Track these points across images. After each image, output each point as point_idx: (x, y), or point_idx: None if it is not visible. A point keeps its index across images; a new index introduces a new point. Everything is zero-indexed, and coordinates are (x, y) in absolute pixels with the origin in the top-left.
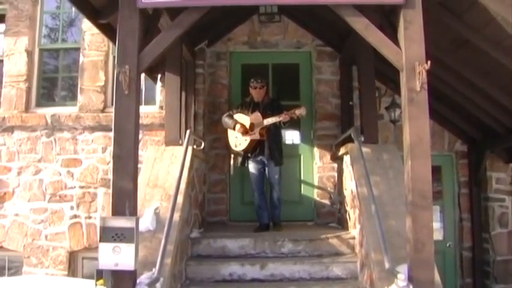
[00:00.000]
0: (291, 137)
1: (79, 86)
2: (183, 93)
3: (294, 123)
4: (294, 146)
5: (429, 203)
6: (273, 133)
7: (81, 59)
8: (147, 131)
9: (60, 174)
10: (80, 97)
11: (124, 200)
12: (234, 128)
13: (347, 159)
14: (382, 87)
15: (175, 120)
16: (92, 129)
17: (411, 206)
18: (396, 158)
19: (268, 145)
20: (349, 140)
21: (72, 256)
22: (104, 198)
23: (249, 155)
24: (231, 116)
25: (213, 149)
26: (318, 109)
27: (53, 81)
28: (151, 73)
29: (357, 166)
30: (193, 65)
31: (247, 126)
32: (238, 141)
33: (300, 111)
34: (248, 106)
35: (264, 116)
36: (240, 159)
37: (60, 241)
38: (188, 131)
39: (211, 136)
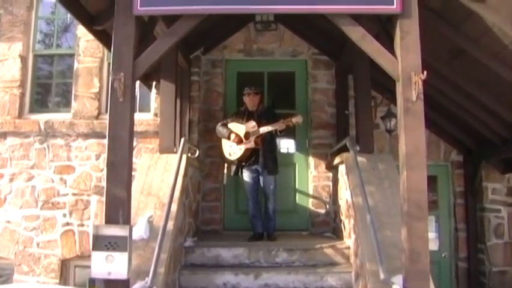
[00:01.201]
0: (286, 145)
1: (73, 92)
2: (178, 101)
3: (289, 132)
4: (289, 155)
5: (424, 213)
6: (268, 142)
7: (75, 65)
8: (141, 139)
9: (53, 181)
10: (74, 103)
11: (118, 208)
12: (228, 138)
13: (342, 168)
14: (378, 97)
15: (170, 128)
16: (86, 136)
17: (407, 216)
18: (392, 168)
19: (263, 154)
20: (344, 149)
21: (64, 264)
22: (97, 206)
23: (244, 163)
24: (225, 126)
25: (207, 157)
26: (313, 118)
27: (47, 87)
28: (146, 80)
29: (353, 176)
30: (188, 73)
31: (242, 135)
32: (232, 150)
33: (297, 119)
34: (243, 115)
35: (259, 125)
36: (234, 168)
37: (53, 249)
38: (182, 139)
39: (205, 144)
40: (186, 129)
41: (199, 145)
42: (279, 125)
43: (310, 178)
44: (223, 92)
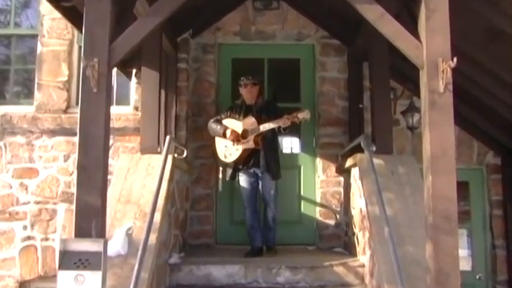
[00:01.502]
0: (290, 145)
1: (36, 81)
2: (163, 92)
3: (293, 130)
4: (293, 156)
5: (454, 226)
6: (270, 141)
7: (39, 48)
8: (119, 136)
9: (11, 187)
10: (37, 94)
11: (90, 218)
12: (224, 135)
13: (355, 172)
14: (398, 88)
15: (153, 124)
16: (52, 133)
17: (433, 229)
18: (414, 171)
19: (263, 155)
20: (358, 149)
21: (23, 287)
22: (65, 216)
23: (241, 166)
24: (219, 122)
25: (197, 158)
26: (321, 113)
27: (3, 74)
28: (125, 68)
29: (368, 181)
30: (174, 59)
31: (239, 133)
32: (228, 151)
33: (303, 115)
34: (239, 110)
35: (259, 121)
36: (229, 171)
37: (9, 269)
38: (168, 137)
39: (195, 143)
40: (172, 126)
41: (188, 144)
42: (283, 122)
43: (318, 183)
44: (216, 82)
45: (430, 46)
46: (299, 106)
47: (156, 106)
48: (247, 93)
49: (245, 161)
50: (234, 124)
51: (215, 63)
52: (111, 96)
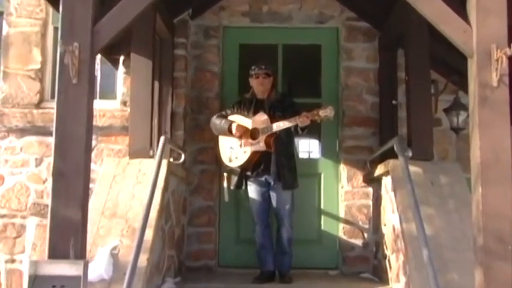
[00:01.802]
0: (308, 148)
1: (1, 68)
2: (156, 84)
3: (312, 130)
4: (311, 162)
5: (509, 250)
6: (284, 143)
7: (5, 29)
8: (103, 137)
9: None
10: (3, 85)
11: (68, 235)
12: (229, 132)
13: (387, 181)
14: (441, 81)
15: (144, 122)
16: (22, 132)
17: (483, 252)
18: (460, 181)
19: (276, 160)
20: (391, 154)
21: None
22: (36, 232)
23: (249, 173)
24: (224, 117)
25: (197, 163)
26: (347, 110)
27: None
28: (111, 54)
29: (402, 192)
30: (170, 45)
31: (248, 132)
32: (234, 153)
33: (326, 113)
34: (248, 105)
35: (272, 119)
36: (235, 179)
37: None
38: (162, 138)
39: (195, 145)
40: (167, 125)
41: (186, 146)
42: (301, 120)
43: (342, 195)
44: (220, 72)
45: (482, 30)
46: (319, 102)
47: (148, 101)
48: (259, 86)
49: (254, 167)
50: (242, 121)
51: (219, 49)
52: (94, 88)
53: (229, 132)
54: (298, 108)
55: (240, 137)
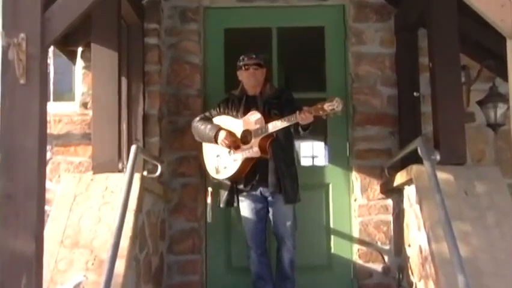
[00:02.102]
0: (312, 153)
1: None
2: (124, 81)
3: (316, 130)
4: (317, 170)
5: None
6: (283, 147)
7: None
8: (60, 147)
9: None
10: None
11: (19, 272)
12: (215, 140)
13: (410, 192)
14: (473, 67)
15: (111, 128)
16: None
17: None
18: (500, 189)
19: (274, 168)
20: (414, 159)
21: None
22: None
23: (241, 186)
24: (208, 120)
25: (177, 176)
26: (358, 106)
27: None
28: (66, 46)
29: (430, 205)
30: (140, 31)
31: (238, 135)
32: (222, 162)
33: (333, 106)
34: (238, 103)
35: (267, 118)
36: (224, 194)
37: None
38: (133, 147)
39: (174, 154)
40: (139, 130)
41: (163, 156)
42: (302, 116)
43: (355, 209)
44: (202, 64)
45: None
46: (324, 97)
47: (114, 101)
48: (249, 79)
49: (247, 178)
50: (231, 123)
51: (200, 36)
52: (47, 88)
53: (215, 140)
54: (299, 105)
55: (229, 146)
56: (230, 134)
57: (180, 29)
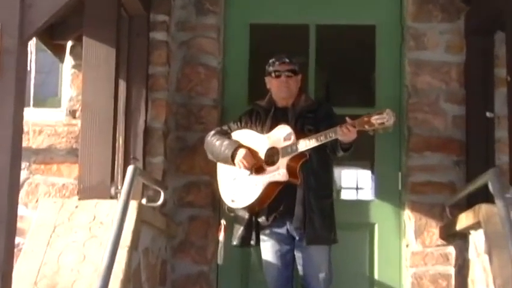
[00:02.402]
0: (355, 183)
1: None
2: (122, 85)
3: (360, 154)
4: (360, 206)
5: None
6: (316, 172)
7: None
8: (40, 165)
9: None
10: None
11: None
12: (232, 159)
13: (477, 238)
14: None
15: (103, 143)
16: None
17: None
18: None
19: (302, 197)
20: (483, 196)
21: None
22: None
23: (262, 219)
24: (225, 135)
25: (184, 206)
26: (415, 126)
27: None
28: (52, 39)
29: (502, 255)
30: (145, 24)
31: (262, 154)
32: (239, 187)
33: (383, 119)
34: (264, 116)
35: (300, 134)
36: (240, 229)
37: None
38: (131, 168)
39: (181, 179)
40: (139, 147)
41: (168, 181)
42: (344, 131)
43: (407, 258)
44: (221, 67)
45: None
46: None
47: (109, 110)
48: (281, 89)
49: (270, 208)
50: (254, 139)
51: (219, 32)
52: (25, 90)
53: (232, 160)
54: (340, 121)
55: (250, 167)
56: (251, 152)
57: (195, 23)
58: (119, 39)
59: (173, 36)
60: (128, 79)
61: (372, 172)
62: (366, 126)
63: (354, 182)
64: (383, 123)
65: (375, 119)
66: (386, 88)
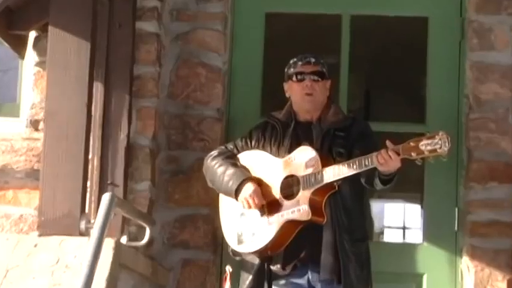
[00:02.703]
0: (401, 222)
1: None
2: (99, 89)
3: (405, 184)
4: (405, 251)
5: None
6: (348, 208)
7: None
8: None
9: None
10: None
11: None
12: (235, 195)
13: None
14: None
15: (72, 163)
16: None
17: None
18: None
19: (331, 241)
20: None
21: None
22: None
23: (277, 267)
24: (230, 157)
25: (176, 246)
26: (476, 149)
27: None
28: (10, 28)
29: None
30: (129, 11)
31: (278, 184)
32: (248, 225)
33: (434, 144)
34: (282, 132)
35: (327, 159)
36: (248, 278)
37: None
38: (107, 196)
39: (172, 212)
40: (119, 169)
41: (156, 213)
42: (384, 158)
43: None
44: (227, 67)
45: None
46: (423, 132)
47: (81, 122)
48: (304, 97)
49: (287, 254)
50: (267, 164)
51: (226, 23)
52: None
53: (235, 195)
54: (379, 143)
55: (261, 207)
56: (263, 184)
57: (195, 11)
58: (96, 30)
59: (167, 28)
60: (107, 82)
61: (422, 207)
62: (413, 154)
63: (398, 220)
64: (434, 150)
65: (424, 145)
66: (440, 99)
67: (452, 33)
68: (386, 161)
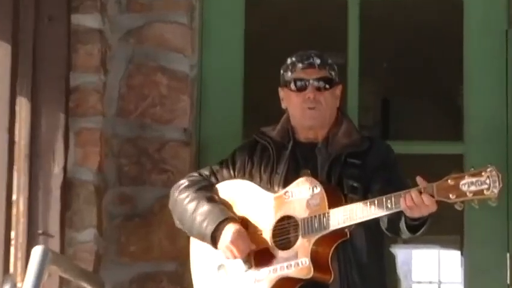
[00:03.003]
0: (429, 275)
1: None
2: (24, 104)
3: (440, 224)
4: None
5: None
6: (361, 262)
7: None
8: None
9: None
10: None
11: None
12: (212, 241)
13: None
14: None
15: None
16: None
17: None
18: None
19: None
20: None
21: None
22: None
23: None
24: (205, 188)
25: None
26: None
27: None
28: None
29: None
30: (63, 3)
31: (269, 228)
32: (227, 283)
33: (481, 184)
34: (275, 155)
35: (335, 196)
36: None
37: None
38: (38, 251)
39: (127, 269)
40: (54, 214)
41: (104, 271)
42: (415, 202)
43: None
44: (197, 73)
45: None
46: (460, 153)
47: (1, 150)
48: (305, 110)
49: None
50: (254, 200)
51: (194, 14)
52: None
53: (214, 244)
54: (403, 174)
55: (246, 259)
56: (249, 229)
57: (150, 1)
58: (18, 27)
59: (113, 22)
60: (34, 97)
61: (462, 254)
62: (452, 196)
63: (432, 273)
64: (480, 191)
65: (467, 184)
66: (483, 110)
67: (495, 21)
68: (418, 205)
